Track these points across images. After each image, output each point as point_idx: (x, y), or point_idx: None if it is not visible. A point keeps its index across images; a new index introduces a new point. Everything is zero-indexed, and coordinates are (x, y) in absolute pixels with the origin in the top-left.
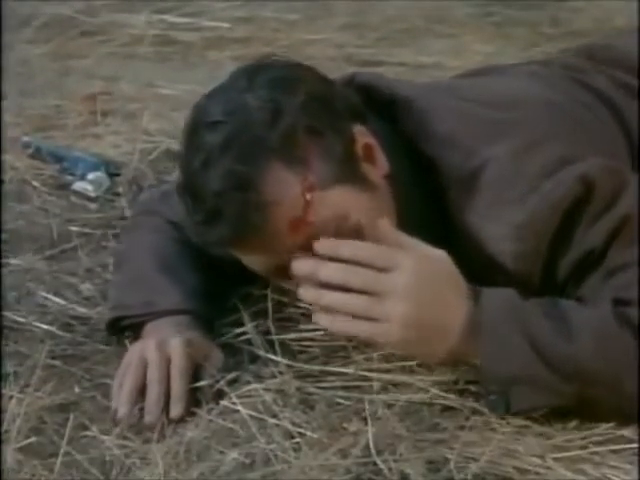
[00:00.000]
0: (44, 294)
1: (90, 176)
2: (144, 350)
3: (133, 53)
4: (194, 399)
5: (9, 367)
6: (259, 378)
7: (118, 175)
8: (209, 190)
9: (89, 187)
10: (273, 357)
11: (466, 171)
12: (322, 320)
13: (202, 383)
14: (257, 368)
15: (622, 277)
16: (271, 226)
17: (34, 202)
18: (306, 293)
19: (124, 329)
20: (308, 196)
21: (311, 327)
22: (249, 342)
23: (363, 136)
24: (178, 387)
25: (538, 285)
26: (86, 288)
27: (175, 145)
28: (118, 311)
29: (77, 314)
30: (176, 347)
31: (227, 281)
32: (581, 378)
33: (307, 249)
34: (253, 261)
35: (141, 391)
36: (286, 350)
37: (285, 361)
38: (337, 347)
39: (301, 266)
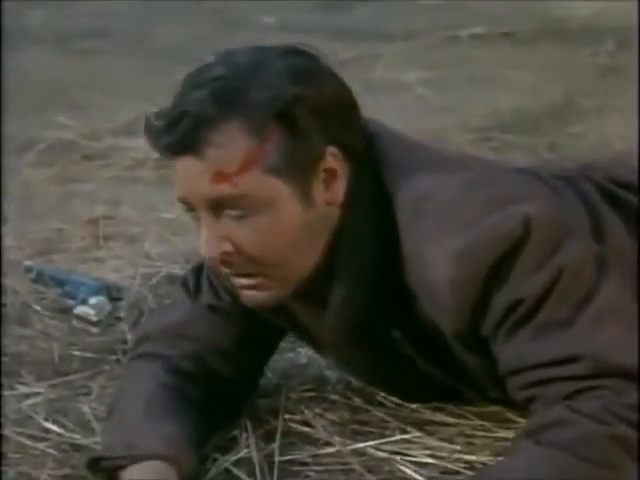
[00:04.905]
0: (44, 419)
1: (92, 300)
2: None
3: (135, 177)
4: None
5: None
6: None
7: (119, 299)
8: (181, 105)
9: (91, 311)
10: None
11: (412, 197)
12: None
13: None
14: None
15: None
16: (205, 160)
17: (36, 326)
18: None
19: (104, 470)
20: (247, 163)
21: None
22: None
23: (333, 160)
24: None
25: (471, 322)
26: (87, 412)
27: (176, 270)
28: (100, 452)
29: (77, 440)
30: None
31: (218, 423)
32: None
33: (214, 215)
34: (180, 185)
35: None
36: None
37: None
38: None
39: None
